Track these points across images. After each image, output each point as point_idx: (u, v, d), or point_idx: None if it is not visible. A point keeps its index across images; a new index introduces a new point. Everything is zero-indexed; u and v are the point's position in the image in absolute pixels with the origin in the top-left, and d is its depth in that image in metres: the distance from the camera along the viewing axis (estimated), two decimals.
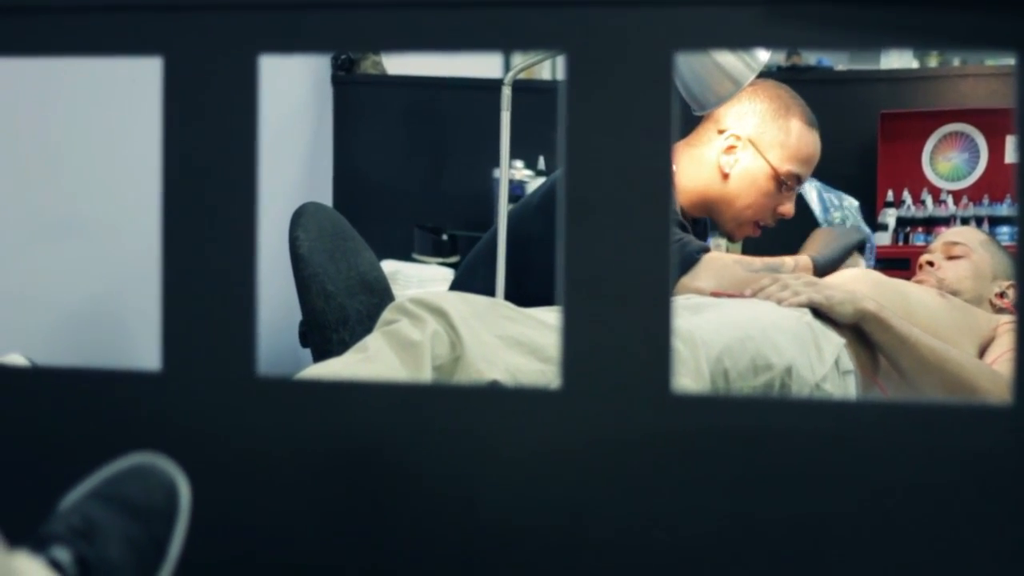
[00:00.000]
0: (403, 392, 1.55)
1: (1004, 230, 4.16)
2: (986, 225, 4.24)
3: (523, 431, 1.42)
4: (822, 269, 2.85)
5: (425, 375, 2.03)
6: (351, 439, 1.45)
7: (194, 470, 1.39)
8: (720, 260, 2.77)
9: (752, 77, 2.80)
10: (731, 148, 2.97)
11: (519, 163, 4.32)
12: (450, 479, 1.44)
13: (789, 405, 1.57)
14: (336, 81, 4.67)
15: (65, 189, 2.92)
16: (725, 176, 2.97)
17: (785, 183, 2.97)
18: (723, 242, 3.75)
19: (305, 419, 1.46)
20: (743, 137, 2.96)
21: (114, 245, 3.09)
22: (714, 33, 1.40)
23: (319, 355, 2.82)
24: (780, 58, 4.48)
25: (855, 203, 3.80)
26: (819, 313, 2.51)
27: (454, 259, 4.34)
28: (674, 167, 2.94)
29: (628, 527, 1.40)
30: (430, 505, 1.44)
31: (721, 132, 2.99)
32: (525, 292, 2.65)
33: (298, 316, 2.94)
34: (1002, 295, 2.91)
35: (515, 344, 2.15)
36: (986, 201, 4.31)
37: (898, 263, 3.79)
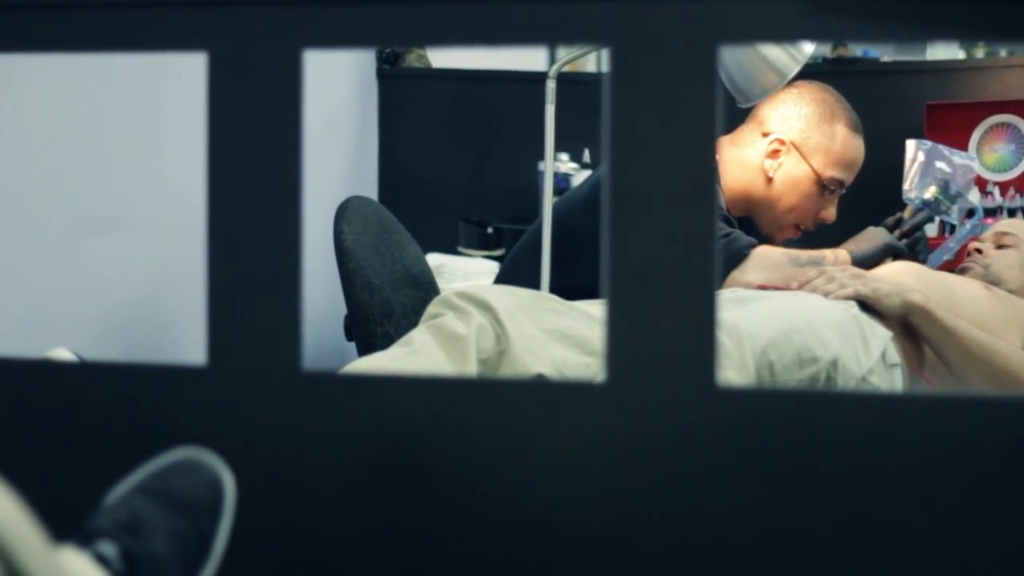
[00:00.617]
0: (448, 386, 1.55)
1: None
2: None
3: (568, 425, 1.42)
4: (858, 265, 2.83)
5: (470, 369, 2.03)
6: (396, 433, 1.46)
7: (239, 464, 1.40)
8: (769, 254, 2.76)
9: (797, 69, 2.79)
10: (775, 152, 2.96)
11: (564, 156, 4.31)
12: (494, 472, 1.44)
13: (834, 398, 1.57)
14: (381, 75, 4.67)
15: (112, 184, 2.94)
16: (768, 179, 2.96)
17: (828, 188, 2.96)
18: None
19: (350, 413, 1.46)
20: (787, 141, 2.95)
21: (160, 240, 3.11)
22: (758, 26, 1.39)
23: (364, 349, 2.83)
24: (826, 50, 4.45)
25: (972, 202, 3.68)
26: (866, 306, 2.50)
27: (499, 252, 4.33)
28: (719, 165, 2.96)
29: (673, 520, 1.39)
30: (475, 498, 1.44)
31: (766, 135, 2.98)
32: (570, 286, 2.64)
33: (343, 310, 2.95)
34: None
35: (560, 337, 2.15)
36: None
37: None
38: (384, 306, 2.87)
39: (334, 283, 2.90)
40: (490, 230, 4.40)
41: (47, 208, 2.72)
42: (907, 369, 2.47)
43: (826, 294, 2.52)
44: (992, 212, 4.22)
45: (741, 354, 2.19)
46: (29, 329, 2.61)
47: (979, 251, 2.99)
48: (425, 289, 3.15)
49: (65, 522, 1.22)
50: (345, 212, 2.96)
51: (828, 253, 2.83)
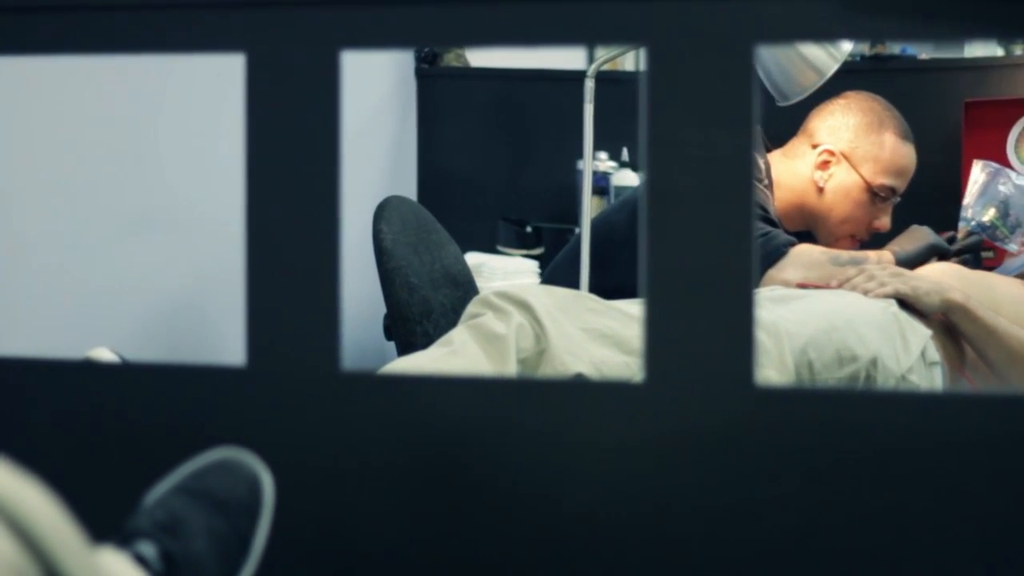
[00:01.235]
0: (488, 386, 1.55)
1: None
2: None
3: (607, 424, 1.42)
4: (902, 265, 2.83)
5: (510, 368, 2.03)
6: (435, 433, 1.46)
7: (278, 465, 1.40)
8: (808, 252, 2.76)
9: (836, 67, 2.79)
10: (825, 163, 2.98)
11: (603, 155, 4.30)
12: (534, 472, 1.44)
13: (874, 397, 1.56)
14: (420, 74, 4.67)
15: (152, 184, 2.95)
16: (820, 190, 2.99)
17: (880, 196, 2.97)
18: None
19: (389, 414, 1.46)
20: (837, 152, 2.97)
21: (200, 240, 3.12)
22: (795, 26, 1.39)
23: (403, 348, 2.83)
24: (864, 47, 4.44)
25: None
26: (905, 304, 2.49)
27: (538, 251, 4.34)
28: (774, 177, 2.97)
29: (712, 520, 1.39)
30: (515, 498, 1.44)
31: (815, 147, 3.00)
32: (608, 288, 2.65)
33: (383, 309, 2.96)
34: None
35: (599, 336, 2.15)
36: None
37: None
38: (423, 305, 2.87)
39: (373, 283, 2.90)
40: (529, 229, 4.41)
41: (88, 209, 2.73)
42: (948, 368, 2.46)
43: (865, 292, 2.52)
44: None
45: (780, 353, 2.19)
46: (70, 329, 2.62)
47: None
48: (464, 288, 3.16)
49: (104, 522, 1.22)
50: (384, 212, 2.96)
51: (872, 254, 2.83)
